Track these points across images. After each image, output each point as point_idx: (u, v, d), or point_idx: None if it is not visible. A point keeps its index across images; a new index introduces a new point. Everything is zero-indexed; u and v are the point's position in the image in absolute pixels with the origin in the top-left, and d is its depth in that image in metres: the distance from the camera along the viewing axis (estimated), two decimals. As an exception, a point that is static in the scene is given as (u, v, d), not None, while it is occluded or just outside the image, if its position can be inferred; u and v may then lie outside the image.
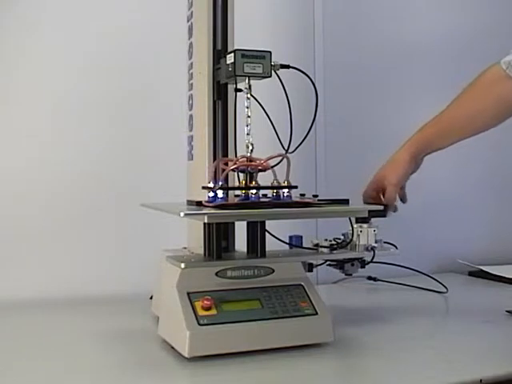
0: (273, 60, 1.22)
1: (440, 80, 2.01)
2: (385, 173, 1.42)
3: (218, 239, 1.23)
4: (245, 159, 1.20)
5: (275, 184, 1.22)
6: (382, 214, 1.32)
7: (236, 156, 1.28)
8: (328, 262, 1.42)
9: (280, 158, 1.27)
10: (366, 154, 1.88)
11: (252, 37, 1.50)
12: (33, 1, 1.63)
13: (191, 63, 1.37)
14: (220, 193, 1.17)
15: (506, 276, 1.85)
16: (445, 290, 1.70)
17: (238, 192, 1.26)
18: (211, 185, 1.19)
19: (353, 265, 1.37)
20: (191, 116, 1.37)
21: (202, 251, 1.26)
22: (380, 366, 1.14)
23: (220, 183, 1.17)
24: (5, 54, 1.61)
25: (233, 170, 1.20)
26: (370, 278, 1.82)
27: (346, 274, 1.41)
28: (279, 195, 1.22)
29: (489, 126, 1.42)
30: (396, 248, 1.38)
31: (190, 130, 1.38)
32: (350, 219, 1.32)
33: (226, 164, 1.22)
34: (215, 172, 1.20)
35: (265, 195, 1.28)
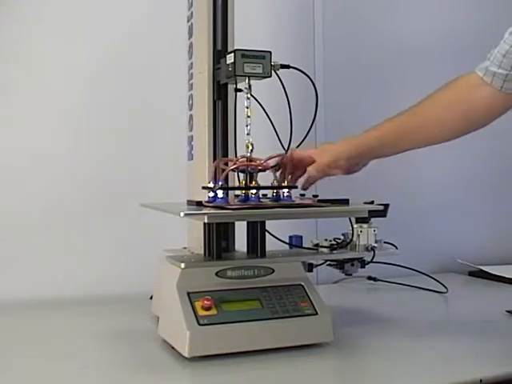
0: (273, 60, 1.22)
1: (440, 80, 2.01)
2: (312, 153, 1.31)
3: (218, 239, 1.23)
4: (245, 159, 1.20)
5: (275, 184, 1.22)
6: (381, 214, 1.32)
7: (236, 156, 1.28)
8: (328, 262, 1.42)
9: (280, 158, 1.27)
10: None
11: (252, 37, 1.50)
12: (34, 2, 1.63)
13: (191, 63, 1.37)
14: (220, 193, 1.17)
15: (506, 276, 1.85)
16: (445, 290, 1.70)
17: (237, 192, 1.26)
18: (211, 185, 1.19)
19: (353, 265, 1.37)
20: (191, 116, 1.37)
21: (202, 251, 1.26)
22: (380, 366, 1.14)
23: (220, 183, 1.17)
24: (6, 54, 1.61)
25: (233, 170, 1.20)
26: (370, 278, 1.82)
27: (346, 274, 1.41)
28: (279, 195, 1.22)
29: (445, 137, 1.34)
30: (396, 248, 1.38)
31: (190, 130, 1.38)
32: (349, 219, 1.32)
33: (226, 164, 1.22)
34: (215, 172, 1.20)
35: (265, 195, 1.28)
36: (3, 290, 1.56)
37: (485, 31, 2.07)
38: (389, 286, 1.79)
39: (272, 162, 1.25)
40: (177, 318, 1.14)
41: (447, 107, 1.32)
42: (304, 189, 1.32)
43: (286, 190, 1.21)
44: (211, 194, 1.18)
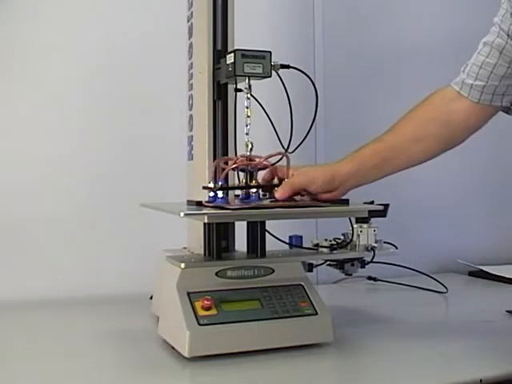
0: (273, 60, 1.22)
1: (440, 79, 2.01)
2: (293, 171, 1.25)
3: (218, 239, 1.23)
4: (244, 158, 1.20)
5: (275, 183, 1.22)
6: (381, 214, 1.32)
7: (236, 156, 1.28)
8: (328, 262, 1.42)
9: (280, 156, 1.26)
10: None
11: (252, 37, 1.50)
12: (35, 4, 1.63)
13: (191, 63, 1.37)
14: (220, 193, 1.17)
15: (506, 276, 1.85)
16: (445, 290, 1.70)
17: (238, 191, 1.26)
18: (211, 185, 1.19)
19: (353, 265, 1.37)
20: (191, 116, 1.37)
21: (202, 251, 1.26)
22: (380, 365, 1.14)
23: (220, 183, 1.17)
24: (5, 54, 1.61)
25: (233, 169, 1.20)
26: (370, 277, 1.82)
27: (346, 274, 1.41)
28: (279, 195, 1.22)
29: (424, 157, 1.32)
30: (396, 248, 1.38)
31: (190, 129, 1.38)
32: (349, 219, 1.32)
33: (226, 163, 1.22)
34: (215, 172, 1.20)
35: (265, 194, 1.28)
36: (3, 290, 1.56)
37: (486, 33, 2.07)
38: (389, 286, 1.79)
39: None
40: (177, 317, 1.14)
41: (425, 122, 1.31)
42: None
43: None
44: (211, 194, 1.18)
